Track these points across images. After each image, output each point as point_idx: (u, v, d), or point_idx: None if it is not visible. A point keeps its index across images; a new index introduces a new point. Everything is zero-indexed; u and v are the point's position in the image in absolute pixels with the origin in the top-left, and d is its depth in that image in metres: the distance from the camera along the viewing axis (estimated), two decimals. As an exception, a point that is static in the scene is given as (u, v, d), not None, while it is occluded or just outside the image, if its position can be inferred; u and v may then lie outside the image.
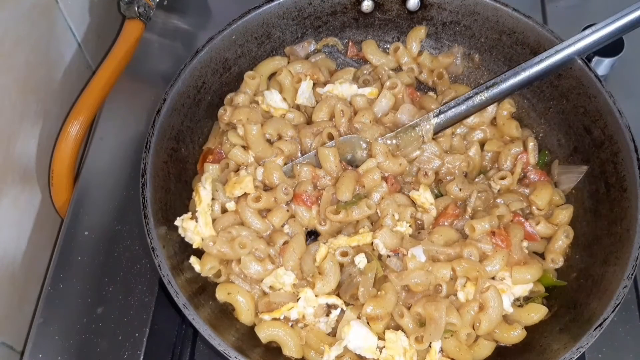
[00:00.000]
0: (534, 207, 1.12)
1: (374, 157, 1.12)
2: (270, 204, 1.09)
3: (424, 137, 1.14)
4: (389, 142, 1.14)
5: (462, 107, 1.13)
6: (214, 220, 1.09)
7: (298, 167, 1.12)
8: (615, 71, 1.34)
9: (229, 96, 1.20)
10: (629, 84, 1.35)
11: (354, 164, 1.15)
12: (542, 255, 1.11)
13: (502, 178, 1.15)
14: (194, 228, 1.06)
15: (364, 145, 1.14)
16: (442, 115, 1.14)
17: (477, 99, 1.13)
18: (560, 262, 1.08)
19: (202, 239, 1.06)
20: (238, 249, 1.03)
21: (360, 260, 1.04)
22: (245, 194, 1.09)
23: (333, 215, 1.08)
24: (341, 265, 1.05)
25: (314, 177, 1.11)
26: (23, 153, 1.21)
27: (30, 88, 1.21)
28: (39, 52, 1.24)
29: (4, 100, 1.13)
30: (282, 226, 1.10)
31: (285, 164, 1.14)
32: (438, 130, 1.15)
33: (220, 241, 1.04)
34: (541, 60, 1.09)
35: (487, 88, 1.12)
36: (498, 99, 1.14)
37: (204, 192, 1.08)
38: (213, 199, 1.10)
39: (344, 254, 1.05)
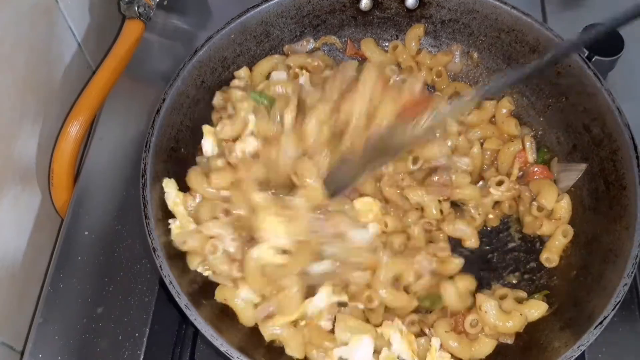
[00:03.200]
0: (534, 208, 1.11)
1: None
2: None
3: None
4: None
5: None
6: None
7: None
8: (615, 71, 1.34)
9: (219, 98, 1.17)
10: (629, 83, 1.35)
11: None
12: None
13: (499, 184, 1.13)
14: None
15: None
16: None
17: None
18: (554, 262, 1.08)
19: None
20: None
21: None
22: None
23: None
24: None
25: None
26: (23, 153, 1.21)
27: (30, 88, 1.21)
28: (39, 52, 1.24)
29: (4, 100, 1.12)
30: None
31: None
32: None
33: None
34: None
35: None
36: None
37: (170, 203, 1.05)
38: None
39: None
